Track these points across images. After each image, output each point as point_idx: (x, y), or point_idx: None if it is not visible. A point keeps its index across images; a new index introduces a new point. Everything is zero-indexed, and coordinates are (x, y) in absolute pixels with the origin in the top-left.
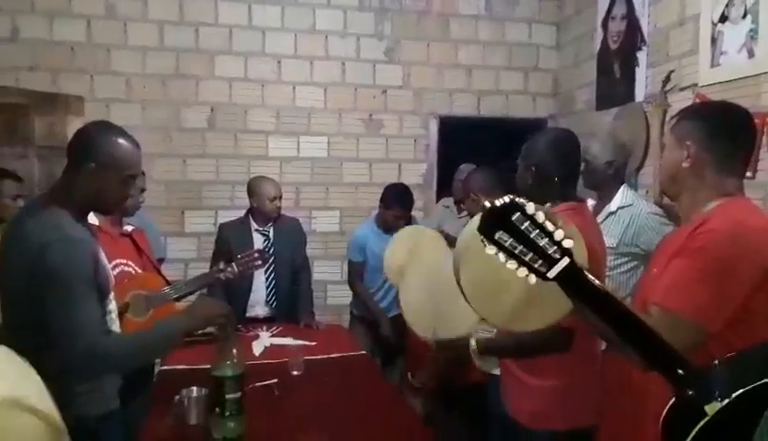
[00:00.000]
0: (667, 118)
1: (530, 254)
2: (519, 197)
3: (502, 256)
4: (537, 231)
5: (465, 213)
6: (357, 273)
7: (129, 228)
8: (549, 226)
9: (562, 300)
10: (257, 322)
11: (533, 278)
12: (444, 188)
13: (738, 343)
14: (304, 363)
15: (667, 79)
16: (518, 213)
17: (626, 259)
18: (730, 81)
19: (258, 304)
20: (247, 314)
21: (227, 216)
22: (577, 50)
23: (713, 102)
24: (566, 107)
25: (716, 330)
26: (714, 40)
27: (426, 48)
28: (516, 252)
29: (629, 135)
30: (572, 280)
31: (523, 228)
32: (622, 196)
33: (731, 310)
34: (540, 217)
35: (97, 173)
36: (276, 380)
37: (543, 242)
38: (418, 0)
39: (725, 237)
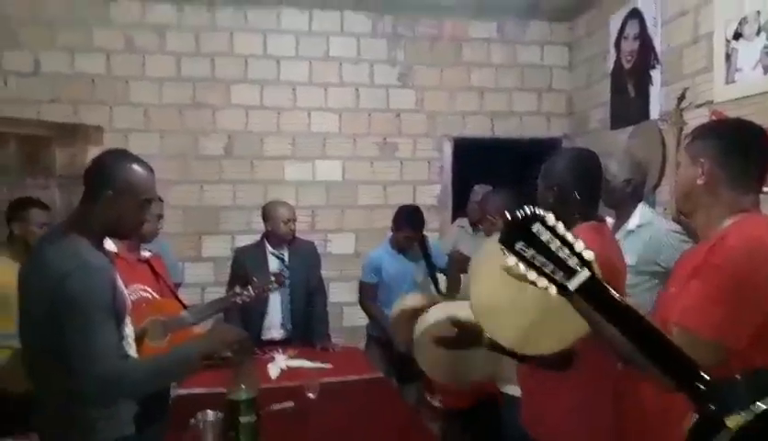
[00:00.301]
0: (683, 136)
1: (551, 266)
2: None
3: (522, 267)
4: (558, 242)
5: (480, 233)
6: (370, 294)
7: (146, 254)
8: (570, 237)
9: (573, 325)
10: (273, 344)
11: (553, 290)
12: (459, 209)
13: (759, 359)
14: (320, 386)
15: (682, 97)
16: (538, 224)
17: (647, 277)
18: (746, 97)
19: (274, 327)
20: (263, 337)
21: (244, 241)
22: (590, 70)
23: (727, 119)
24: (580, 126)
25: (738, 347)
26: (728, 57)
27: (439, 72)
28: (536, 263)
29: (645, 153)
30: (593, 292)
31: (543, 239)
32: (640, 214)
33: (752, 326)
34: (560, 228)
35: (115, 199)
36: (292, 404)
37: (564, 253)
38: (430, 27)
39: (741, 254)
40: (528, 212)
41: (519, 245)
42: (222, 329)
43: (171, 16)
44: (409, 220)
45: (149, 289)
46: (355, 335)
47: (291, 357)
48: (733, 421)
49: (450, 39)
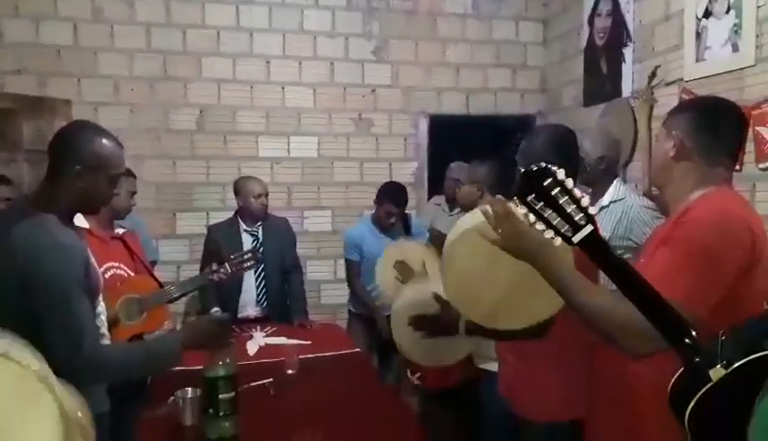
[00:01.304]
0: (654, 113)
1: (558, 219)
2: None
3: (531, 217)
4: (566, 197)
5: (457, 211)
6: (354, 271)
7: (120, 231)
8: (577, 193)
9: (546, 299)
10: (249, 322)
11: (558, 241)
12: (435, 187)
13: (723, 329)
14: (299, 362)
15: (653, 74)
16: (550, 179)
17: (619, 252)
18: (715, 75)
19: (249, 304)
20: (239, 315)
21: (218, 217)
22: (564, 46)
23: (700, 96)
24: (554, 103)
25: (700, 316)
26: (698, 35)
27: (414, 47)
28: (546, 215)
29: (617, 130)
30: (594, 246)
31: (553, 193)
32: (615, 190)
33: (716, 297)
34: (569, 183)
35: (83, 174)
36: (271, 380)
37: (570, 208)
38: (406, 1)
39: (708, 225)
40: (542, 167)
41: (531, 197)
42: (206, 322)
43: None
44: (390, 196)
45: (123, 267)
46: (333, 312)
47: (269, 334)
48: (716, 373)
49: (426, 13)
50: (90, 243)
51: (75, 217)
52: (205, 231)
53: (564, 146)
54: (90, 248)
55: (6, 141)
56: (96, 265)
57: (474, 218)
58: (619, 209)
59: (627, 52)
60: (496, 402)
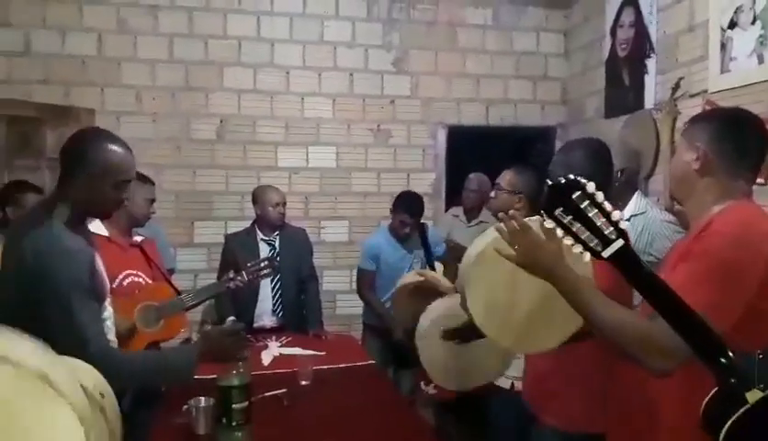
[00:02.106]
0: (677, 126)
1: (586, 233)
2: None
3: (559, 232)
4: (596, 210)
5: (474, 222)
6: (368, 281)
7: (138, 238)
8: (608, 206)
9: (569, 319)
10: (265, 332)
11: (587, 256)
12: (453, 198)
13: (745, 345)
14: (313, 372)
15: (676, 86)
16: (579, 192)
17: None
18: (740, 87)
19: (265, 314)
20: (254, 324)
21: (236, 226)
22: (585, 58)
23: (724, 108)
24: (575, 115)
25: (723, 332)
26: (723, 46)
27: (434, 58)
28: (574, 229)
29: (639, 142)
30: (625, 261)
31: (582, 206)
32: (635, 203)
33: (737, 312)
34: (600, 197)
35: (92, 180)
36: (284, 390)
37: (600, 221)
38: (426, 11)
39: (728, 239)
40: (571, 179)
41: (558, 211)
42: (222, 335)
43: None
44: (406, 205)
45: (141, 274)
46: (349, 323)
47: (284, 345)
48: (753, 396)
49: (446, 24)
50: (108, 251)
51: (94, 223)
52: (223, 240)
53: (602, 160)
54: (108, 255)
55: (31, 148)
56: (103, 271)
57: (488, 238)
58: (640, 223)
59: (650, 64)
60: (509, 418)
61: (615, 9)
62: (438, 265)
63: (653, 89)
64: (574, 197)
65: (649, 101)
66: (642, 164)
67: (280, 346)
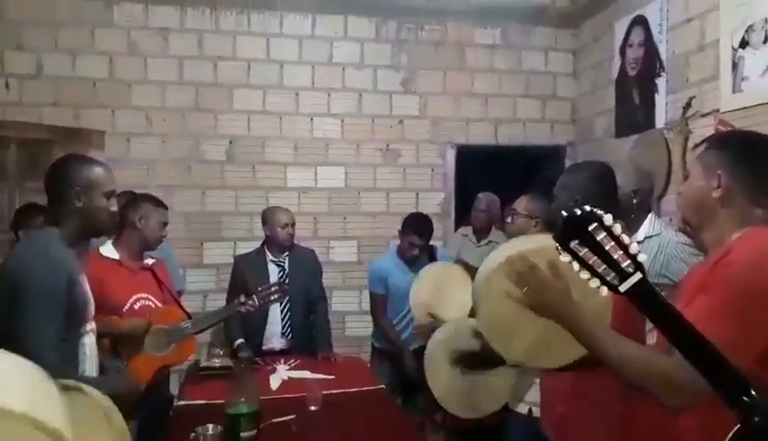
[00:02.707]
0: (689, 145)
1: (603, 266)
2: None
3: (576, 265)
4: (612, 243)
5: (484, 241)
6: (379, 305)
7: (149, 261)
8: (626, 239)
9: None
10: (274, 354)
11: (604, 291)
12: (462, 217)
13: (766, 377)
14: (322, 397)
15: (688, 105)
16: (596, 224)
17: None
18: (753, 106)
19: (274, 336)
20: (263, 347)
21: (246, 247)
22: (594, 77)
23: (742, 131)
24: (584, 134)
25: (744, 365)
26: (735, 66)
27: (443, 77)
28: (590, 263)
29: (650, 162)
30: (643, 295)
31: (599, 239)
32: (649, 224)
33: (759, 344)
34: (617, 229)
35: (82, 197)
36: (293, 416)
37: (617, 254)
38: (434, 31)
39: (748, 268)
40: (587, 211)
41: (574, 244)
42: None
43: (174, 18)
44: (415, 226)
45: (152, 298)
46: (358, 345)
47: (292, 368)
48: None
49: (454, 44)
50: (119, 275)
51: (106, 247)
52: (232, 261)
53: (607, 183)
54: (119, 279)
55: (42, 170)
56: (87, 289)
57: (500, 257)
58: (655, 244)
59: (661, 83)
60: None
61: (624, 29)
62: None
63: (664, 108)
64: (591, 228)
65: (659, 120)
66: (654, 184)
67: (289, 370)
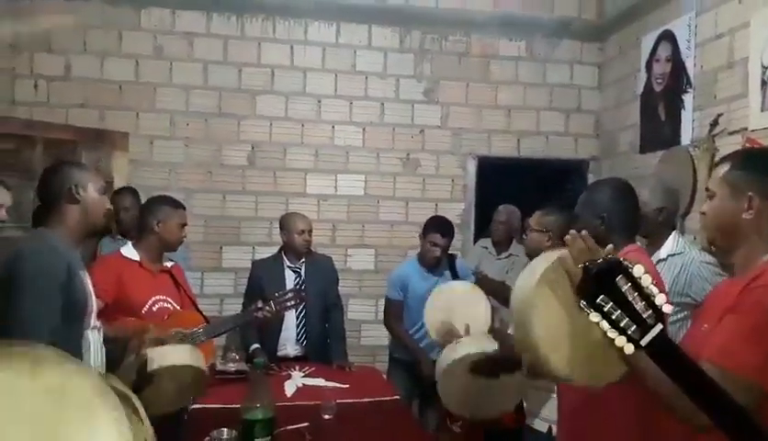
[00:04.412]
0: (714, 163)
1: (625, 320)
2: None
3: (605, 324)
4: (636, 293)
5: (504, 254)
6: (395, 312)
7: (168, 264)
8: (653, 290)
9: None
10: (288, 361)
11: (630, 348)
12: (482, 229)
13: None
14: (336, 406)
15: (715, 122)
16: (622, 275)
17: (676, 309)
18: None
19: (289, 343)
20: (278, 353)
21: (264, 252)
22: (619, 91)
23: (764, 149)
24: (608, 149)
25: None
26: (764, 83)
27: (465, 89)
28: (614, 317)
29: (675, 179)
30: (662, 349)
31: (624, 290)
32: (673, 242)
33: None
34: (646, 280)
35: (77, 194)
36: (307, 424)
37: (639, 305)
38: (458, 42)
39: None
40: (614, 261)
41: (600, 299)
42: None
43: (200, 23)
44: (437, 226)
45: (170, 300)
46: (373, 354)
47: (307, 375)
48: None
49: (478, 55)
50: (139, 276)
51: (126, 248)
52: (250, 266)
53: (630, 199)
54: (138, 280)
55: None
56: (88, 284)
57: (541, 268)
58: (678, 263)
59: (687, 99)
60: None
61: (651, 43)
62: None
63: (690, 125)
64: (617, 280)
65: (685, 137)
66: (679, 202)
67: (303, 377)
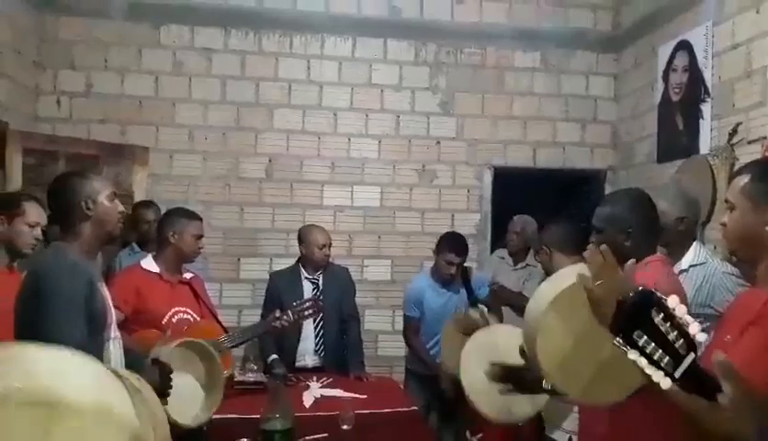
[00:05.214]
0: (734, 172)
1: (659, 352)
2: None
3: (643, 361)
4: (668, 323)
5: (521, 265)
6: (414, 329)
7: (188, 275)
8: (688, 319)
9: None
10: (306, 371)
11: (667, 382)
12: (498, 239)
13: None
14: (354, 417)
15: (734, 131)
16: (655, 308)
17: (699, 320)
18: None
19: (307, 353)
20: (297, 363)
21: (281, 263)
22: (636, 101)
23: None
24: (626, 159)
25: None
26: None
27: (481, 100)
28: (648, 351)
29: (694, 188)
30: (693, 378)
31: (657, 321)
32: (694, 253)
33: None
34: (681, 310)
35: (90, 204)
36: (326, 435)
37: (672, 335)
38: (473, 54)
39: None
40: (648, 295)
41: (636, 333)
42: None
43: (218, 39)
44: (451, 244)
45: (190, 311)
46: (390, 365)
47: (325, 386)
48: None
49: (493, 67)
50: (158, 288)
51: (146, 260)
52: (267, 277)
53: (650, 209)
54: (158, 292)
55: None
56: (106, 295)
57: (558, 285)
58: (700, 274)
59: (705, 108)
60: None
61: (667, 53)
62: (482, 308)
63: (708, 134)
64: (652, 314)
65: (704, 146)
66: (700, 212)
67: (321, 388)
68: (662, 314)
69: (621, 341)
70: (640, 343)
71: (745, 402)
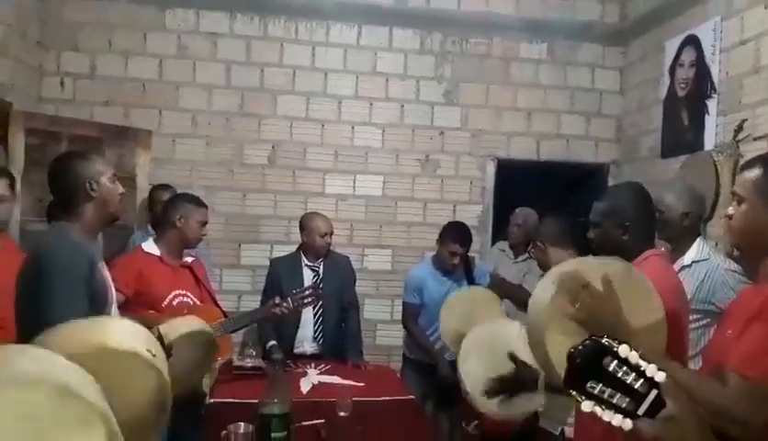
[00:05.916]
0: (738, 169)
1: (618, 395)
2: (600, 250)
3: (598, 410)
4: (625, 368)
5: (521, 257)
6: (413, 315)
7: (189, 259)
8: (642, 363)
9: None
10: (304, 358)
11: (628, 424)
12: (500, 231)
13: None
14: (352, 404)
15: (740, 128)
16: (609, 357)
17: (699, 316)
18: None
19: (306, 340)
20: (295, 350)
21: (282, 250)
22: (641, 95)
23: None
24: (630, 153)
25: None
26: None
27: (486, 91)
28: (605, 397)
29: (697, 184)
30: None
31: (612, 369)
32: (698, 249)
33: None
34: (634, 357)
35: (92, 185)
36: (323, 421)
37: (630, 377)
38: (479, 44)
39: None
40: (594, 346)
41: (590, 384)
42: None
43: (223, 24)
44: (455, 235)
45: (190, 295)
46: (388, 354)
47: (323, 373)
48: None
49: (499, 57)
50: (159, 271)
51: (147, 243)
52: (268, 264)
53: (648, 203)
54: (159, 275)
55: None
56: (107, 274)
57: (546, 292)
58: (702, 269)
59: (711, 104)
60: None
61: (674, 48)
62: None
63: (714, 130)
64: (604, 363)
65: (709, 142)
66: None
67: (319, 374)
68: (616, 361)
69: (575, 393)
70: (596, 391)
71: (688, 418)
